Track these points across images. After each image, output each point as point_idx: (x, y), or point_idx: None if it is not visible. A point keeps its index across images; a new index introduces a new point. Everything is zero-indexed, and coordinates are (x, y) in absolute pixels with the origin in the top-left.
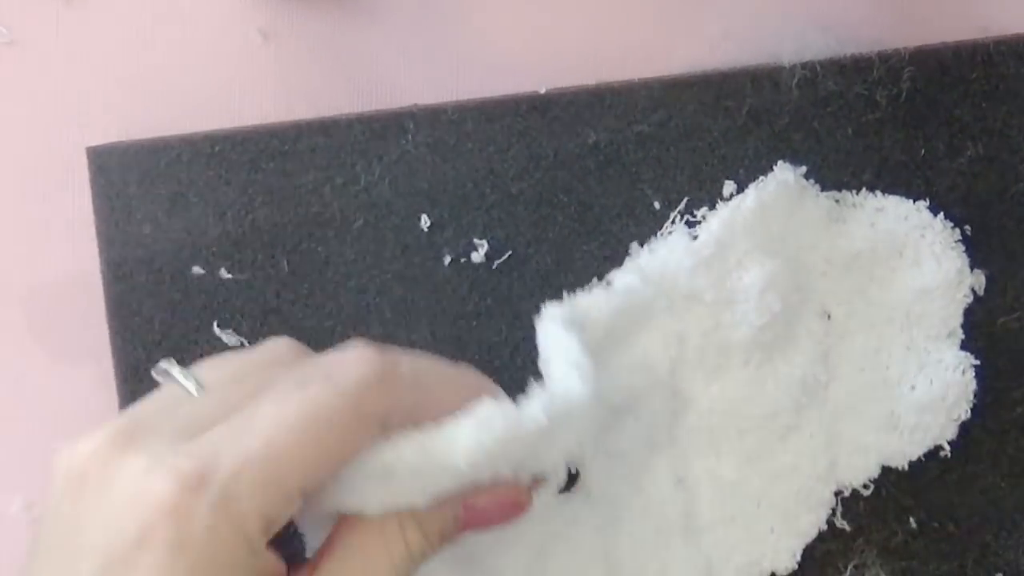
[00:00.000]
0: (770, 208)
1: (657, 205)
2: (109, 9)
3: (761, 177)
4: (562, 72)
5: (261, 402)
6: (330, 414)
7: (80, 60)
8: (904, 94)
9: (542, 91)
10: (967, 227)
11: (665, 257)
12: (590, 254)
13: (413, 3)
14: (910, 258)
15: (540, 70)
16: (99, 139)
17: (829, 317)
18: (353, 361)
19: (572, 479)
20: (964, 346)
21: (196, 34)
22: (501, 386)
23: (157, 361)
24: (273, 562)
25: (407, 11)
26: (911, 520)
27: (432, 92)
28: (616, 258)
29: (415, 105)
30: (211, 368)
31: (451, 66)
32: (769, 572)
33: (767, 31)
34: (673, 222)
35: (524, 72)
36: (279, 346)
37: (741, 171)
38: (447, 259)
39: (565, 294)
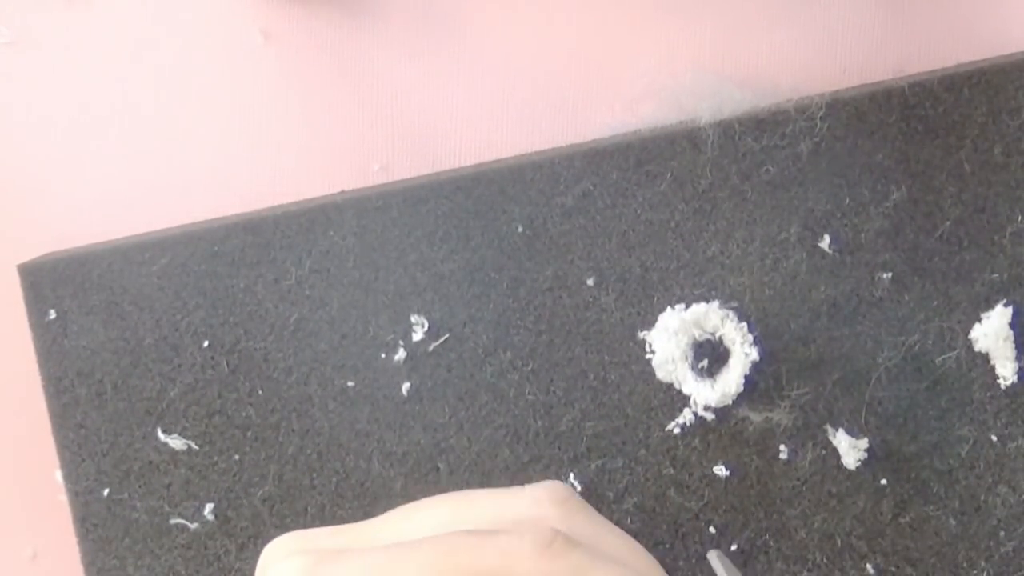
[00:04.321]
0: None
1: (590, 282)
2: (110, 10)
3: None
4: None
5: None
6: None
7: (80, 60)
8: (824, 143)
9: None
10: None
11: None
12: (526, 329)
13: (413, 3)
14: None
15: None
16: (30, 254)
17: None
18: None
19: None
20: (904, 386)
21: (197, 34)
22: (448, 469)
23: (107, 471)
24: None
25: (407, 11)
26: (868, 566)
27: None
28: (553, 332)
29: (341, 192)
30: None
31: (452, 69)
32: None
33: (684, 90)
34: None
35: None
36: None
37: (669, 235)
38: (385, 346)
39: (506, 371)
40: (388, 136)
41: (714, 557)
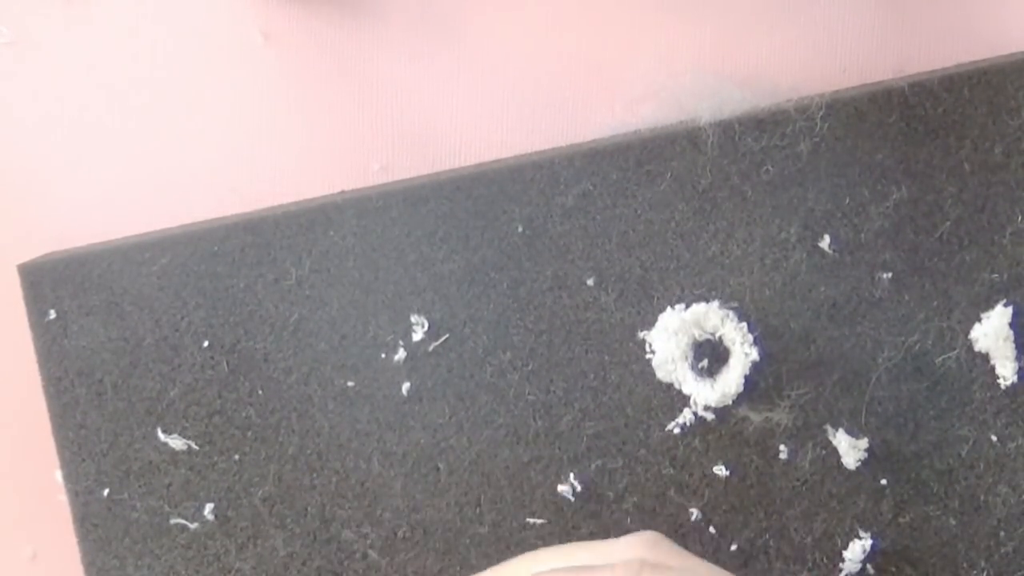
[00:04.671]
0: None
1: (590, 282)
2: (109, 10)
3: None
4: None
5: None
6: None
7: (80, 60)
8: (824, 143)
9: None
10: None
11: None
12: (526, 329)
13: (413, 4)
14: None
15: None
16: (30, 254)
17: None
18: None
19: None
20: (904, 386)
21: (197, 34)
22: (448, 469)
23: (107, 471)
24: None
25: (407, 12)
26: (868, 567)
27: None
28: (553, 332)
29: (341, 192)
30: None
31: (452, 69)
32: None
33: (684, 90)
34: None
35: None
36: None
37: (669, 235)
38: (385, 346)
39: (506, 371)
40: (388, 136)
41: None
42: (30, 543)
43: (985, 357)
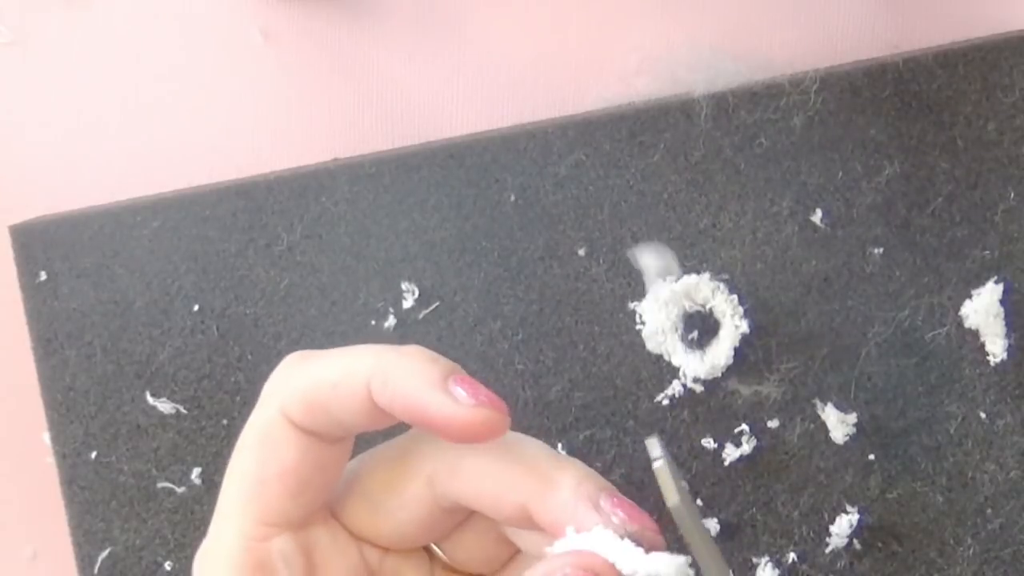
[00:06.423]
0: None
1: (582, 252)
2: (110, 10)
3: None
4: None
5: None
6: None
7: (80, 60)
8: (817, 117)
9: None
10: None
11: None
12: (517, 298)
13: (413, 4)
14: None
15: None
16: (21, 215)
17: None
18: None
19: None
20: (894, 361)
21: (197, 34)
22: None
23: (95, 434)
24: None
25: (407, 12)
26: (855, 542)
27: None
28: (543, 301)
29: (334, 160)
30: None
31: (451, 68)
32: None
33: (679, 62)
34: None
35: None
36: None
37: (661, 207)
38: (375, 313)
39: (496, 340)
40: (389, 136)
41: (655, 445)
42: (30, 543)
43: (975, 334)
